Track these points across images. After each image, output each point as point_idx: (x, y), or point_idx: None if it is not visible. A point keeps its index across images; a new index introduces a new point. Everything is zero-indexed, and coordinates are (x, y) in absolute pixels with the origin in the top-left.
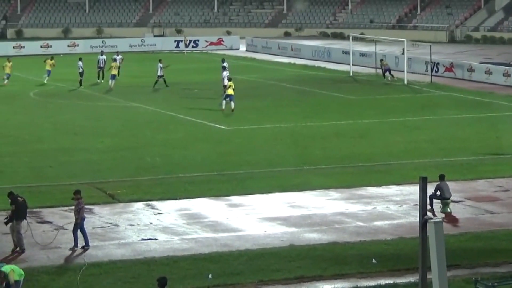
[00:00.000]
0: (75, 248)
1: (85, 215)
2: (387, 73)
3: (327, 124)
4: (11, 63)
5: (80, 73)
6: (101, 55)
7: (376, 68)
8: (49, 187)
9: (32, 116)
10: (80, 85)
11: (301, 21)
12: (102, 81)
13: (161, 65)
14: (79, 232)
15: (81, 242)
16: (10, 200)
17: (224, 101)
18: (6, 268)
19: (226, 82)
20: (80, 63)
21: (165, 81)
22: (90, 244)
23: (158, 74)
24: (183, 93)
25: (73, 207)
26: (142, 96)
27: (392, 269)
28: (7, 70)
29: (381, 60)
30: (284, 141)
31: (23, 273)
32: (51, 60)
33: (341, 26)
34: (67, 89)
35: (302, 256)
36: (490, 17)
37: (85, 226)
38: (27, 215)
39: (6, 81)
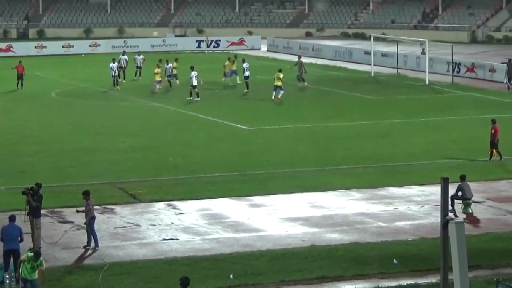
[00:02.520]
0: (97, 248)
1: (95, 215)
2: None
3: (348, 125)
4: None
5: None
6: (123, 55)
7: (397, 68)
8: (71, 187)
9: (54, 116)
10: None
11: (323, 21)
12: (124, 81)
13: (171, 65)
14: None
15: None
16: (35, 195)
17: (274, 92)
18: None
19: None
20: (113, 64)
21: (170, 83)
22: (111, 243)
23: (169, 74)
24: (205, 93)
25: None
26: (164, 96)
27: (413, 269)
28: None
29: None
30: (305, 141)
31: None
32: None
33: (363, 26)
34: (88, 89)
35: (323, 257)
36: (511, 17)
37: (95, 227)
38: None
39: None
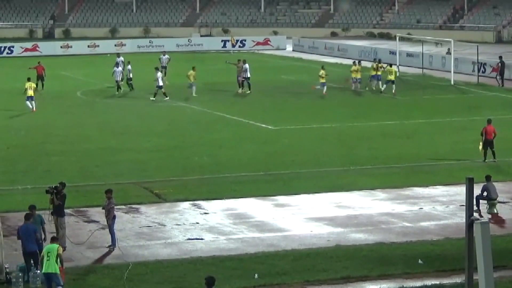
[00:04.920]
0: (112, 247)
1: (116, 214)
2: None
3: (374, 124)
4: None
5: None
6: (164, 55)
7: (423, 68)
8: (96, 186)
9: (79, 115)
10: (131, 88)
11: (348, 21)
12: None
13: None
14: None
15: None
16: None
17: (324, 88)
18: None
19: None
20: (129, 66)
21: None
22: (136, 243)
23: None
24: (230, 93)
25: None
26: (189, 95)
27: (438, 269)
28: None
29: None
30: (330, 141)
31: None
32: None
33: (388, 26)
34: (114, 89)
35: (348, 256)
36: None
37: (115, 227)
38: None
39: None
